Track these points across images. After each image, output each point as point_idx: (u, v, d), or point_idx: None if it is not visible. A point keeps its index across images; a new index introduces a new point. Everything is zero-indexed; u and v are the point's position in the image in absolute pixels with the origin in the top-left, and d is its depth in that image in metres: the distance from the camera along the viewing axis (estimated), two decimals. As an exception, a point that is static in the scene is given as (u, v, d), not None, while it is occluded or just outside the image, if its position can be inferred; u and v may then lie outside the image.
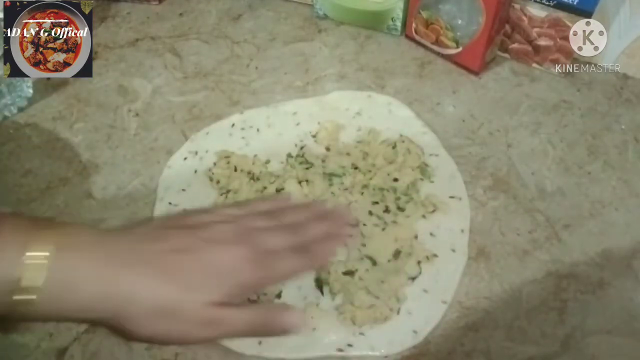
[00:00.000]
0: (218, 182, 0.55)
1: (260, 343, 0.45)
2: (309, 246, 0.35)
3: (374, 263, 0.49)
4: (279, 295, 0.47)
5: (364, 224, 0.51)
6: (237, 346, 0.45)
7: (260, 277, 0.32)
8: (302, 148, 0.58)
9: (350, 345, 0.45)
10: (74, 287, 0.28)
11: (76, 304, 0.28)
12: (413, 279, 0.48)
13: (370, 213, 0.52)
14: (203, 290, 0.30)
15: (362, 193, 0.53)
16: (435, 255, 0.49)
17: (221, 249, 0.31)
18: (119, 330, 0.29)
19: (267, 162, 0.56)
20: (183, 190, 0.55)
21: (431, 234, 0.51)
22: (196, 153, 0.58)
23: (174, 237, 0.31)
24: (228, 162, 0.56)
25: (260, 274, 0.32)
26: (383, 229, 0.51)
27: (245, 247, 0.32)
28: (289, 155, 0.57)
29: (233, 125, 0.61)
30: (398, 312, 0.46)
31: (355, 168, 0.55)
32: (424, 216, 0.52)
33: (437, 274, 0.49)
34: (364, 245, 0.50)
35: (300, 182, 0.53)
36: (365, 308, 0.46)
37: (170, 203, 0.54)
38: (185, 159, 0.58)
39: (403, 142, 0.57)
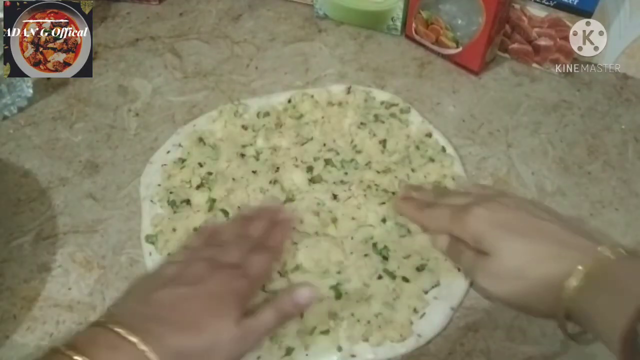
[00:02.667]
0: (184, 160, 0.56)
1: (258, 358, 0.44)
2: (264, 242, 0.44)
3: (393, 277, 0.48)
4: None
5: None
6: None
7: (245, 283, 0.38)
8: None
9: (353, 356, 0.45)
10: None
11: None
12: (428, 291, 0.48)
13: (384, 220, 0.51)
14: (223, 314, 0.36)
15: (366, 195, 0.53)
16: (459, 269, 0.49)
17: (207, 281, 0.37)
18: None
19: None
20: (159, 185, 0.55)
21: None
22: (180, 145, 0.58)
23: (168, 293, 0.37)
24: (201, 140, 0.58)
25: (244, 280, 0.38)
26: (402, 236, 0.50)
27: (222, 270, 0.39)
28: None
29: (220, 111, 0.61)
30: (411, 323, 0.46)
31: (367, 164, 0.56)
32: None
33: (450, 281, 0.48)
34: (385, 258, 0.49)
35: (297, 166, 0.54)
36: (382, 327, 0.45)
37: (152, 201, 0.54)
38: (168, 152, 0.58)
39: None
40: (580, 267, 0.35)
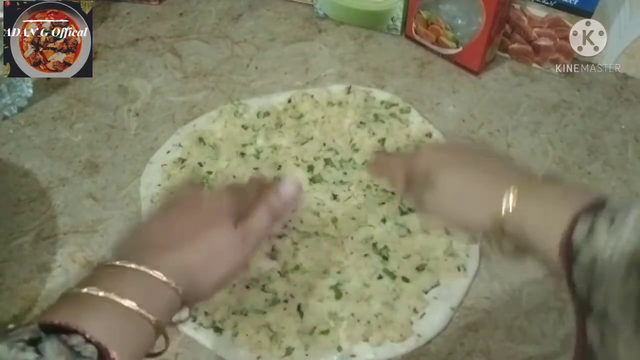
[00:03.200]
0: (184, 160, 0.56)
1: (258, 358, 0.45)
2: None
3: (394, 277, 0.48)
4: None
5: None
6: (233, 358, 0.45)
7: (235, 204, 0.38)
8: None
9: (353, 356, 0.45)
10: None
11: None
12: (428, 291, 0.48)
13: (384, 220, 0.51)
14: (216, 223, 0.36)
15: (365, 195, 0.53)
16: (464, 268, 0.49)
17: (198, 204, 0.38)
18: (194, 295, 0.34)
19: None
20: (159, 185, 0.55)
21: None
22: (180, 145, 0.58)
23: (159, 221, 0.37)
24: (200, 139, 0.58)
25: (234, 203, 0.38)
26: (402, 236, 0.50)
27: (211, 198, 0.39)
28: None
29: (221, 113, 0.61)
30: (411, 323, 0.46)
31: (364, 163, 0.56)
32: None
33: (450, 281, 0.48)
34: (385, 258, 0.49)
35: (297, 165, 0.54)
36: (382, 327, 0.45)
37: (151, 201, 0.54)
38: (168, 152, 0.58)
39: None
40: (514, 186, 0.38)
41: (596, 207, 0.34)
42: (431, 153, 0.45)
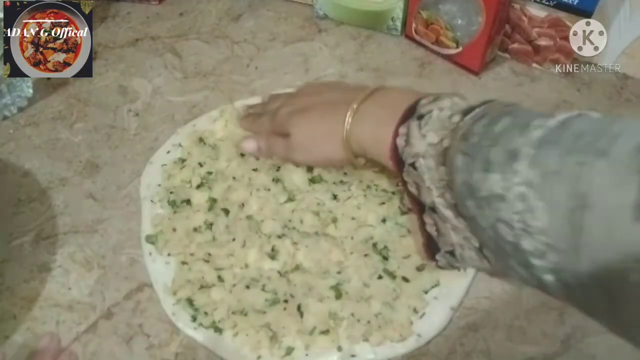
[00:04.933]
0: (184, 160, 0.56)
1: (259, 358, 0.45)
2: None
3: (393, 277, 0.48)
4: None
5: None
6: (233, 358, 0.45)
7: None
8: None
9: (353, 356, 0.45)
10: None
11: None
12: (428, 290, 0.48)
13: (384, 220, 0.51)
14: None
15: (365, 195, 0.53)
16: (464, 268, 0.48)
17: None
18: None
19: None
20: (159, 185, 0.55)
21: None
22: (180, 145, 0.58)
23: None
24: (200, 139, 0.57)
25: None
26: (402, 236, 0.50)
27: None
28: None
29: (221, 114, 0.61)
30: (411, 323, 0.46)
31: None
32: None
33: (450, 281, 0.48)
34: (385, 258, 0.49)
35: (297, 165, 0.54)
36: (382, 327, 0.45)
37: (152, 201, 0.54)
38: (168, 152, 0.58)
39: None
40: (354, 105, 0.43)
41: (412, 113, 0.39)
42: (287, 108, 0.49)
